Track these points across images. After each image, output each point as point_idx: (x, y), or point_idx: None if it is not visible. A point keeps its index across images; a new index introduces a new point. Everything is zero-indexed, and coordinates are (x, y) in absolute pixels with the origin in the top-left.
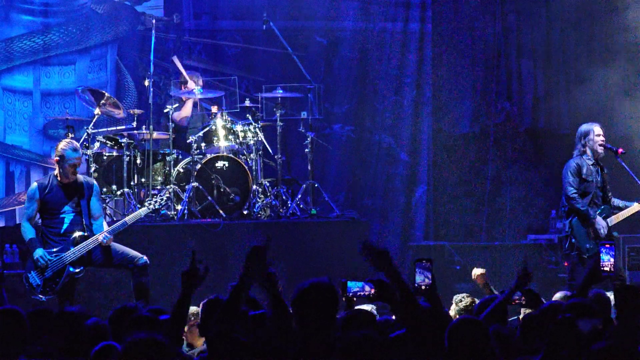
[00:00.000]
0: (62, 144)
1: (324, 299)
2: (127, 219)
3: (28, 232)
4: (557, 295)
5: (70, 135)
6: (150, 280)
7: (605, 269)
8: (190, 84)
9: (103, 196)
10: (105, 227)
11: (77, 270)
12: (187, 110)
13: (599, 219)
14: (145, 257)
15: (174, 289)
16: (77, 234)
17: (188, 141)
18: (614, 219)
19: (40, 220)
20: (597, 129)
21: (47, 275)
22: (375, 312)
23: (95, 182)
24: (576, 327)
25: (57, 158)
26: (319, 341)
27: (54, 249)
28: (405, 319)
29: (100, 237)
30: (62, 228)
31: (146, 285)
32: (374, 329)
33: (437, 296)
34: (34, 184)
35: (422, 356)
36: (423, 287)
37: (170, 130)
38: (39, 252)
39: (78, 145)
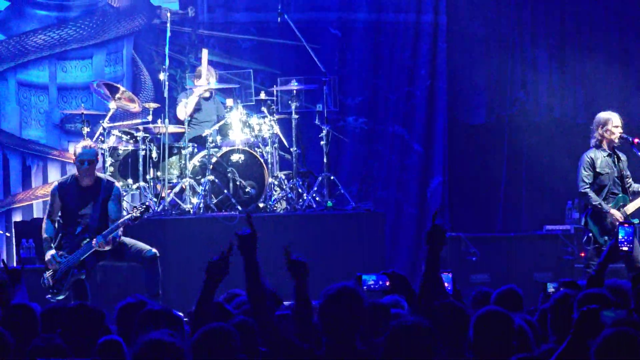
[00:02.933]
0: (77, 144)
1: (351, 303)
2: (119, 222)
3: (46, 230)
4: None
5: (86, 130)
6: (160, 272)
7: (624, 248)
8: (202, 81)
9: None
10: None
11: (80, 271)
12: (189, 107)
13: (613, 211)
14: (154, 250)
15: (188, 283)
16: (86, 238)
17: (203, 134)
18: (630, 207)
19: (60, 219)
20: (615, 119)
21: (56, 277)
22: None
23: (117, 184)
24: (599, 318)
25: (73, 158)
26: (345, 345)
27: (65, 250)
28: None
29: (93, 242)
30: (77, 230)
31: (156, 277)
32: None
33: (455, 289)
34: (55, 183)
35: (444, 349)
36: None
37: (186, 124)
38: (48, 254)
39: (92, 143)
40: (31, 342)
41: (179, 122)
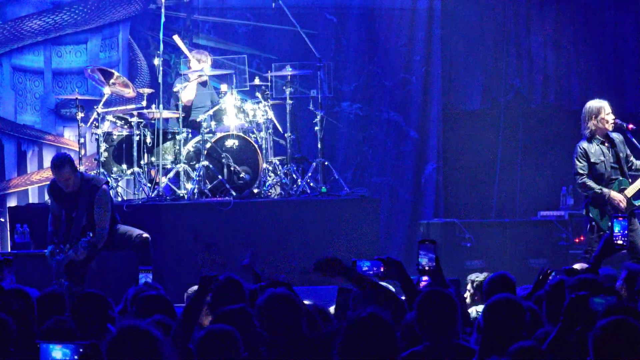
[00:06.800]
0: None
1: (285, 308)
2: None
3: (48, 224)
4: (576, 266)
5: (80, 115)
6: (151, 256)
7: (619, 242)
8: (194, 63)
9: (114, 176)
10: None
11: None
12: (190, 92)
13: (612, 194)
14: (145, 234)
15: (182, 268)
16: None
17: (198, 120)
18: (630, 190)
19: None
20: (606, 106)
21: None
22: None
23: (102, 186)
24: (588, 305)
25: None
26: (287, 346)
27: (66, 245)
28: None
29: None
30: (70, 230)
31: (147, 261)
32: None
33: (441, 277)
34: (50, 183)
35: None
36: (427, 268)
37: (180, 109)
38: (47, 250)
39: (64, 159)
40: (28, 327)
41: (177, 107)
